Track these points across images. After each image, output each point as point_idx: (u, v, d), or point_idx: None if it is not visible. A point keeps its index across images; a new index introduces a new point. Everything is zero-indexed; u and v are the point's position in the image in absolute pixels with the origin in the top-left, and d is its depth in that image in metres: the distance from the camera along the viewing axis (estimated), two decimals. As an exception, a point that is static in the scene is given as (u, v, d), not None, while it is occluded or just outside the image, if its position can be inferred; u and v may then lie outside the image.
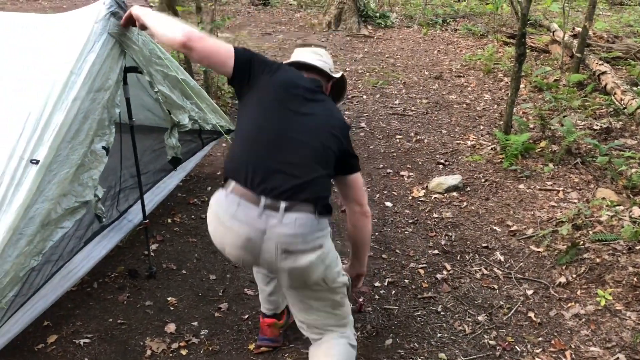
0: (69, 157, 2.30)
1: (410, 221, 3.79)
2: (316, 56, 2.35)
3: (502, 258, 3.36)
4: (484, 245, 3.49)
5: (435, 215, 3.87)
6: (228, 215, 2.01)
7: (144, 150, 3.65)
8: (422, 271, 3.26)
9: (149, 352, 2.59)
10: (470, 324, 2.83)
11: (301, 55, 2.36)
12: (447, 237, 3.60)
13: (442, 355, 2.62)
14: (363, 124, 5.55)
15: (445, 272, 3.24)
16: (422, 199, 4.11)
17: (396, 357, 2.61)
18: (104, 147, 2.51)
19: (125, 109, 2.76)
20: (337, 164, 2.15)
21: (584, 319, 2.82)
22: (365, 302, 2.97)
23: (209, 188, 4.20)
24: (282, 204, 1.95)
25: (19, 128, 2.20)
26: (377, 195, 4.16)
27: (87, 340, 2.65)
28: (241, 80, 2.14)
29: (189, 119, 3.31)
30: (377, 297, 3.04)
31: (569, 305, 2.93)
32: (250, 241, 1.99)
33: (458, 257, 3.38)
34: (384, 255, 3.41)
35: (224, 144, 4.76)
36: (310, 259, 2.01)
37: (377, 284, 3.15)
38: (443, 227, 3.72)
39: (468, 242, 3.53)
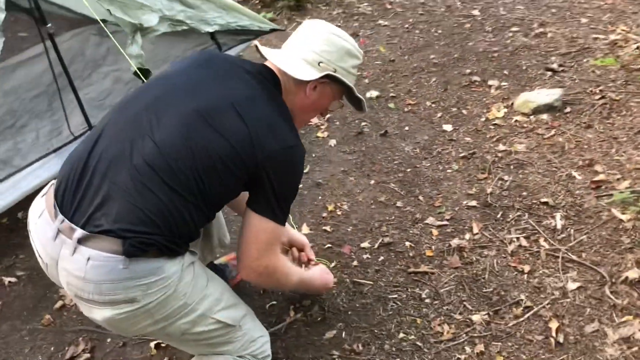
0: None
1: (463, 154, 2.82)
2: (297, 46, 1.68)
3: (560, 224, 2.29)
4: (543, 200, 2.42)
5: (501, 147, 2.82)
6: (32, 225, 1.55)
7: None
8: (435, 232, 2.38)
9: (60, 304, 2.28)
10: (455, 325, 1.97)
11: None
12: (500, 182, 2.59)
13: (386, 368, 1.87)
14: (475, 11, 4.32)
15: (467, 237, 2.33)
16: (496, 121, 3.03)
17: (323, 361, 1.93)
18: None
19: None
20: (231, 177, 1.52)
21: (630, 350, 1.78)
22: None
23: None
24: (77, 233, 1.39)
25: None
26: (439, 115, 3.18)
27: (14, 279, 2.43)
28: None
29: (161, 19, 2.71)
30: (354, 263, 2.30)
31: (622, 320, 1.88)
32: (47, 267, 1.51)
33: (498, 215, 2.41)
34: (399, 203, 2.58)
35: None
36: (105, 315, 1.45)
37: (365, 244, 2.38)
38: (502, 167, 2.69)
39: (524, 193, 2.49)
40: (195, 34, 3.17)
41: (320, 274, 2.01)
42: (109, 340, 2.11)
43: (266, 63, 1.70)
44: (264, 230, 1.59)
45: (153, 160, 1.44)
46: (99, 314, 1.46)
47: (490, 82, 3.38)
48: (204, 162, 1.47)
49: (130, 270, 1.40)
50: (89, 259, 1.38)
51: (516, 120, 3.00)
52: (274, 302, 2.17)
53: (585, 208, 2.35)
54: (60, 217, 1.44)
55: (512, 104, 3.12)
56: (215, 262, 2.25)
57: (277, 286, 1.96)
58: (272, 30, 3.65)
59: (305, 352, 1.96)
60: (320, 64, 1.63)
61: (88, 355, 2.05)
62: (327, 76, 1.65)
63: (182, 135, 1.46)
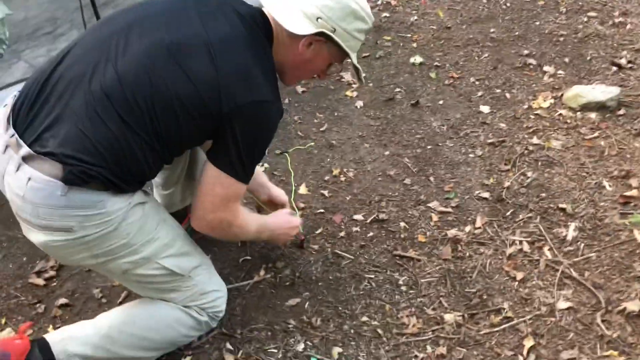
0: None
1: (491, 140, 2.60)
2: None
3: (572, 235, 2.07)
4: (562, 206, 2.20)
5: (535, 140, 2.57)
6: None
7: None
8: (435, 217, 2.22)
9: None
10: (424, 320, 1.83)
11: None
12: (521, 177, 2.37)
13: (337, 349, 1.76)
14: (553, -11, 3.94)
15: (466, 230, 2.15)
16: (539, 111, 2.77)
17: (276, 328, 1.84)
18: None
19: None
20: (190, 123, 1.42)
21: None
22: (306, 238, 2.15)
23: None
24: (22, 150, 1.33)
25: None
26: (479, 94, 2.94)
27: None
28: None
29: None
30: (341, 234, 2.17)
31: (605, 354, 1.68)
32: None
33: (508, 213, 2.21)
34: (407, 180, 2.42)
35: None
36: (40, 239, 1.40)
37: (359, 216, 2.25)
38: (529, 162, 2.46)
39: (544, 194, 2.27)
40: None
41: (283, 218, 1.88)
42: (79, 262, 2.09)
43: (263, 9, 1.57)
44: (220, 184, 1.50)
45: (110, 88, 1.36)
46: (35, 237, 1.43)
47: (545, 68, 3.09)
48: (163, 100, 1.38)
49: (67, 199, 1.34)
50: (29, 179, 1.34)
51: (560, 114, 2.72)
52: (248, 258, 2.09)
53: (604, 223, 2.11)
54: (11, 131, 1.38)
55: (562, 95, 2.83)
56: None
57: (233, 239, 1.85)
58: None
59: (263, 315, 1.88)
60: (319, 20, 1.49)
61: (54, 273, 2.06)
62: (323, 34, 1.51)
63: (145, 67, 1.37)
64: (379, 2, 3.89)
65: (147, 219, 1.50)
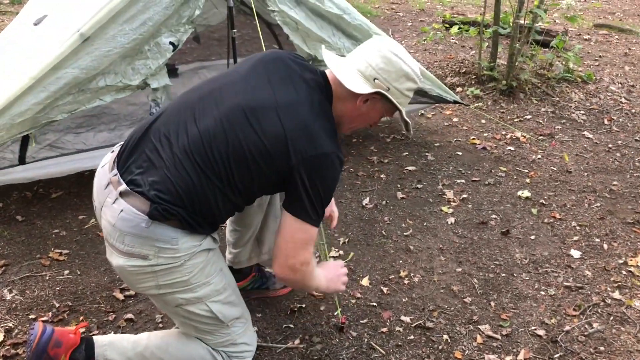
0: (115, 38, 2.51)
1: (568, 284, 2.53)
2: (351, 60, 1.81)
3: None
4: None
5: (616, 295, 2.46)
6: (97, 171, 1.84)
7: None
8: (480, 340, 2.21)
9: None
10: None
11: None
12: (586, 326, 2.28)
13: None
14: (699, 157, 3.76)
15: (506, 359, 2.12)
16: (632, 269, 2.64)
17: None
18: (171, 43, 2.62)
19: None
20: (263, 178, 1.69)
21: None
22: (348, 322, 2.27)
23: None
24: (121, 187, 1.67)
25: (86, 8, 2.53)
26: (575, 238, 2.88)
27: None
28: None
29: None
30: (383, 329, 2.26)
31: None
32: (95, 208, 1.80)
33: (555, 356, 2.13)
34: (467, 299, 2.44)
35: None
36: (119, 262, 1.69)
37: (407, 318, 2.32)
38: (600, 314, 2.35)
39: (602, 348, 2.15)
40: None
41: (331, 264, 2.04)
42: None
43: (326, 70, 1.83)
44: (299, 230, 1.70)
45: (193, 144, 1.66)
46: (115, 260, 1.71)
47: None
48: (237, 154, 1.64)
49: (149, 230, 1.63)
50: (121, 210, 1.64)
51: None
52: (291, 326, 2.26)
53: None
54: (115, 171, 1.72)
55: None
56: (268, 269, 2.43)
57: (307, 283, 1.88)
58: (455, 102, 3.70)
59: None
60: (375, 81, 1.73)
61: (134, 293, 2.40)
62: (379, 93, 1.73)
63: (222, 126, 1.66)
64: (508, 136, 4.02)
65: (208, 264, 1.76)
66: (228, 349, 1.88)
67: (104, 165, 1.80)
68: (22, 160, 2.72)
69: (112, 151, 1.83)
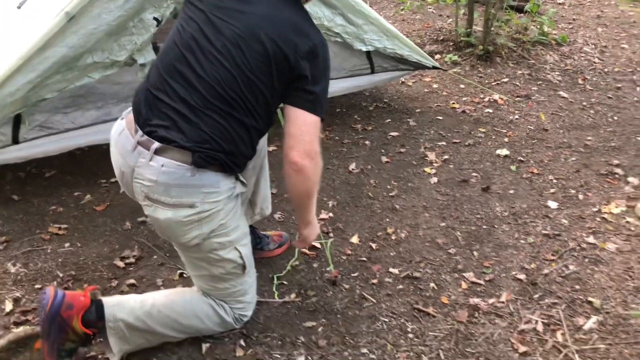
0: (100, 16, 2.55)
1: (546, 232, 2.68)
2: None
3: (589, 326, 2.10)
4: (591, 299, 2.22)
5: (591, 239, 2.62)
6: (113, 141, 1.91)
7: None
8: (465, 285, 2.36)
9: (141, 219, 2.79)
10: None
11: None
12: (563, 268, 2.43)
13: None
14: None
15: (489, 302, 2.26)
16: (606, 216, 2.80)
17: (287, 340, 2.09)
18: (155, 18, 2.69)
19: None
20: (278, 85, 1.77)
21: None
22: (341, 276, 2.40)
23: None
24: (155, 145, 1.74)
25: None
26: (552, 190, 3.03)
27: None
28: None
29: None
30: (374, 281, 2.40)
31: None
32: (123, 175, 1.86)
33: (535, 296, 2.28)
34: (451, 250, 2.59)
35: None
36: (167, 215, 1.77)
37: (395, 270, 2.46)
38: (576, 257, 2.51)
39: (577, 287, 2.31)
40: (350, 50, 3.50)
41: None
42: (154, 257, 2.54)
43: None
44: (310, 121, 1.79)
45: (207, 93, 1.73)
46: (162, 214, 1.77)
47: (630, 179, 3.11)
48: (248, 84, 1.73)
49: (195, 178, 1.72)
50: (162, 165, 1.72)
51: (627, 221, 2.74)
52: (285, 282, 2.38)
53: (628, 323, 2.11)
54: (140, 132, 1.78)
55: (636, 206, 2.84)
56: (263, 232, 2.55)
57: (314, 180, 1.89)
58: (434, 67, 3.81)
59: (280, 328, 2.15)
60: None
61: (134, 260, 2.51)
62: None
63: (224, 66, 1.73)
64: (486, 99, 4.15)
65: (238, 209, 1.90)
66: (234, 301, 2.00)
67: (122, 132, 1.86)
68: (15, 140, 2.79)
69: (122, 118, 1.90)
